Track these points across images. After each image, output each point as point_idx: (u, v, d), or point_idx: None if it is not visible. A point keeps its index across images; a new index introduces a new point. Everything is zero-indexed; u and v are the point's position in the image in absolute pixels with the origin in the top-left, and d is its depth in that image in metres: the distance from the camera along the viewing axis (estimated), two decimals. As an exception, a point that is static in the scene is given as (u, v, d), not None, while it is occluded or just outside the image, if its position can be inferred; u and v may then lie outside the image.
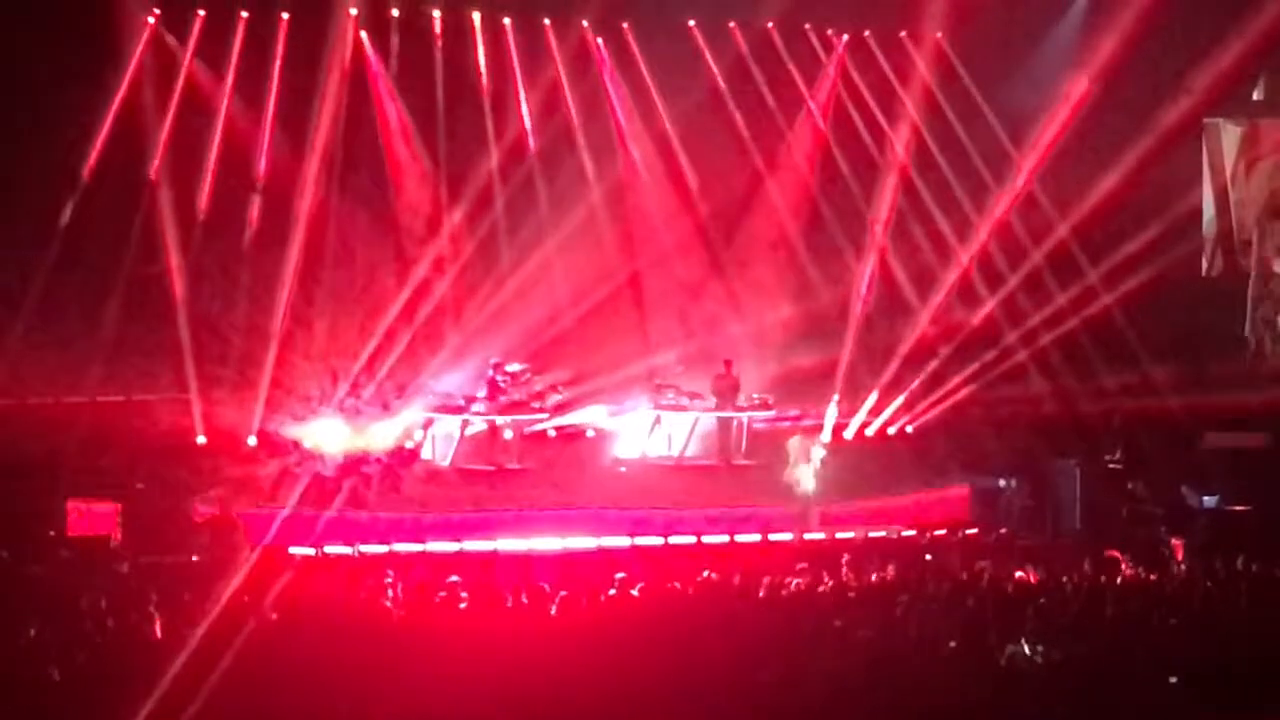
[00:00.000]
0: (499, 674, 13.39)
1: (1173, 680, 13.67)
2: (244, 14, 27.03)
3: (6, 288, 25.77)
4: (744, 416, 27.60)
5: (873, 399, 29.11)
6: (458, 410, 26.59)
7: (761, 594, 18.18)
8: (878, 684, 13.40)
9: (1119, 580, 19.56)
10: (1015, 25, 29.06)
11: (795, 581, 18.87)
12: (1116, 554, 20.20)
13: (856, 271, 30.09)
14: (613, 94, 29.12)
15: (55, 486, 23.14)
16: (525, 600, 17.27)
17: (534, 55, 28.61)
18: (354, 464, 25.08)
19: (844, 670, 13.84)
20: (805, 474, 25.39)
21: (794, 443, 25.93)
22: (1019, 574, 19.23)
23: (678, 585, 18.85)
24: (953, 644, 14.88)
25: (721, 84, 29.26)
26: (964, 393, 29.20)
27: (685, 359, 28.78)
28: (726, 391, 27.59)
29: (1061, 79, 28.78)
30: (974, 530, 25.88)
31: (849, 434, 28.70)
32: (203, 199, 27.13)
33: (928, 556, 21.59)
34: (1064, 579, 18.98)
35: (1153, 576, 19.68)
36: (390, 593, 18.63)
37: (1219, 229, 30.65)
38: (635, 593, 18.51)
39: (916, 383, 29.22)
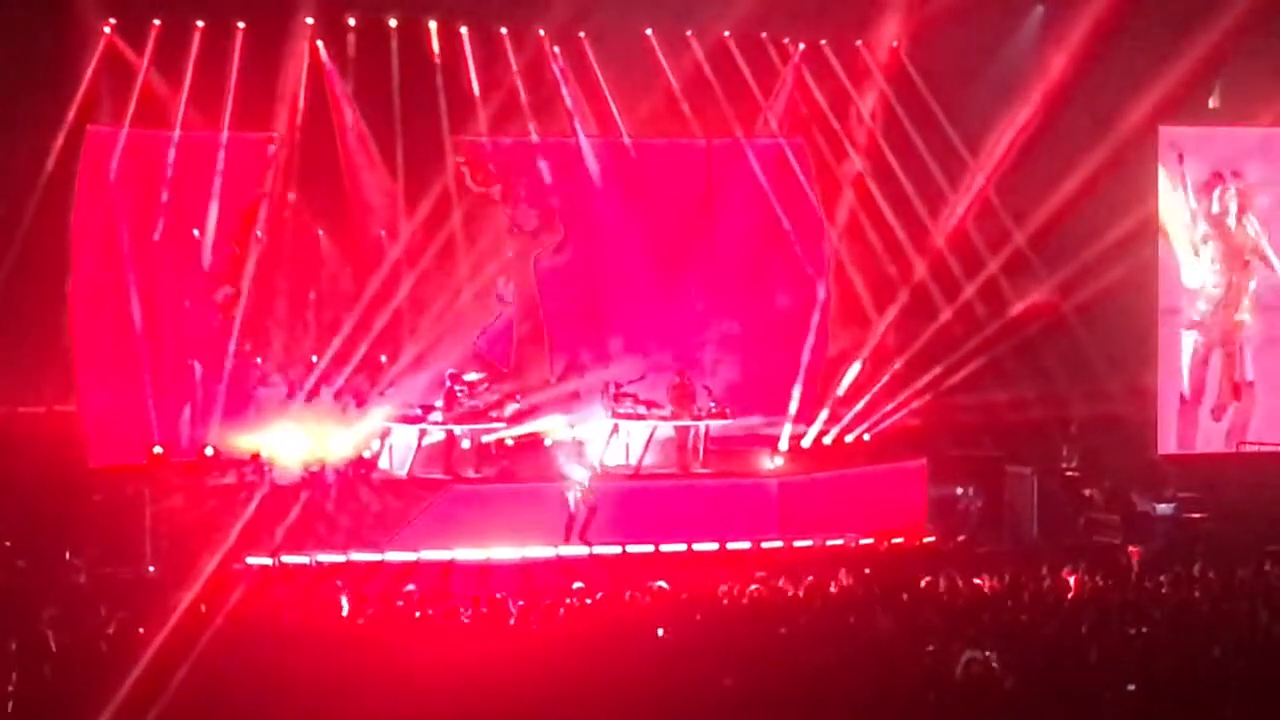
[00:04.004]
0: (457, 685, 13.38)
1: (1130, 688, 13.73)
2: (199, 24, 26.92)
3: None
4: (701, 425, 27.56)
5: (829, 408, 29.16)
6: (415, 420, 26.55)
7: (725, 602, 18.24)
8: (834, 692, 13.42)
9: (1074, 585, 19.67)
10: (972, 34, 29.08)
11: (752, 588, 18.93)
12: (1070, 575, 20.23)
13: (814, 279, 30.09)
14: (569, 102, 29.10)
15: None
16: (483, 610, 17.28)
17: (491, 64, 28.57)
18: (311, 474, 25.03)
19: (801, 678, 13.87)
20: (578, 469, 25.54)
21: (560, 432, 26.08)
22: (976, 581, 19.28)
23: (630, 595, 18.89)
24: (928, 649, 14.92)
25: (678, 92, 29.23)
26: (921, 401, 29.24)
27: (643, 367, 28.76)
28: (683, 400, 27.56)
29: (1018, 88, 28.85)
30: (931, 538, 25.95)
31: (806, 442, 28.75)
32: (160, 209, 27.04)
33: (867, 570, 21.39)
34: (1021, 587, 19.06)
35: (1109, 584, 19.77)
36: (345, 602, 18.64)
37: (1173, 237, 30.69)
38: (591, 602, 18.53)
39: (875, 389, 29.26)
